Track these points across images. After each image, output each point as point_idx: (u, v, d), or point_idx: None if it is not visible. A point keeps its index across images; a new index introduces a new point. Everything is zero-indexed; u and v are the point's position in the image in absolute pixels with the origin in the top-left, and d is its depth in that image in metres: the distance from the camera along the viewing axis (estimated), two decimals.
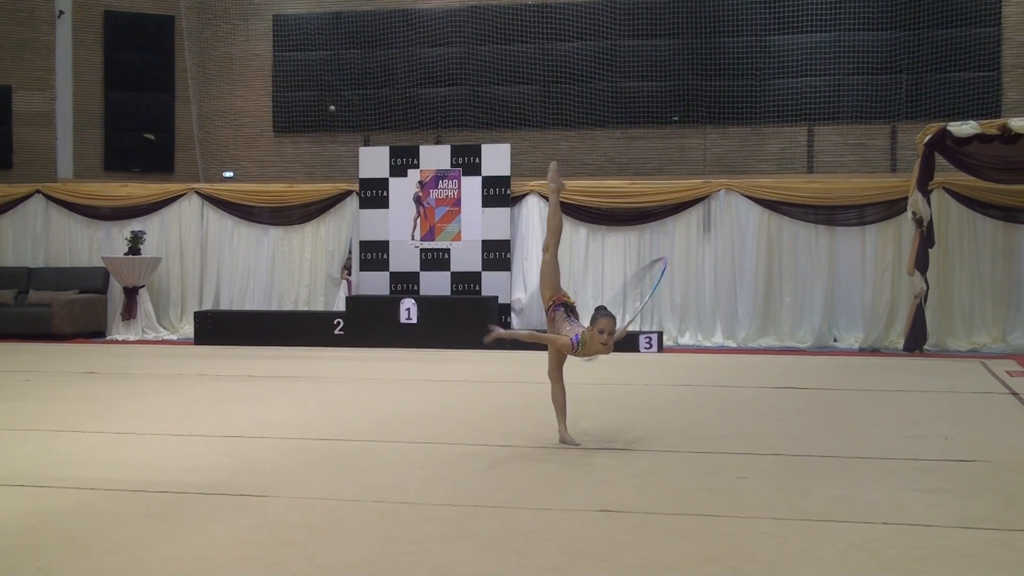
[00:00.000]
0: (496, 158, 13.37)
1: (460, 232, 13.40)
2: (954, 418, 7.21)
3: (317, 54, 16.81)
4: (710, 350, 12.46)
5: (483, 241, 13.32)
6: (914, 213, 11.60)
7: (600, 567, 3.72)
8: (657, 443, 6.17)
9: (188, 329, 13.88)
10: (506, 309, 13.14)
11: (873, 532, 4.16)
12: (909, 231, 11.97)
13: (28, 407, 7.75)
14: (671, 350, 12.38)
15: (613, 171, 15.49)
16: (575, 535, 4.11)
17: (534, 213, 13.33)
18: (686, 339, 12.87)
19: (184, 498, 4.77)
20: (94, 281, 14.24)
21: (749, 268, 12.83)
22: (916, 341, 11.77)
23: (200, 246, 14.41)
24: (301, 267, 14.19)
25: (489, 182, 13.31)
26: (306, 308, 14.01)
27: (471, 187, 13.37)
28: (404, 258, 13.52)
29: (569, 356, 6.06)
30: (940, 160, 11.86)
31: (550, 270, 6.18)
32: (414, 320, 12.81)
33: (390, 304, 13.00)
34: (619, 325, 5.84)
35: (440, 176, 13.49)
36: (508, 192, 13.32)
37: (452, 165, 13.47)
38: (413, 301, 12.90)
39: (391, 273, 13.55)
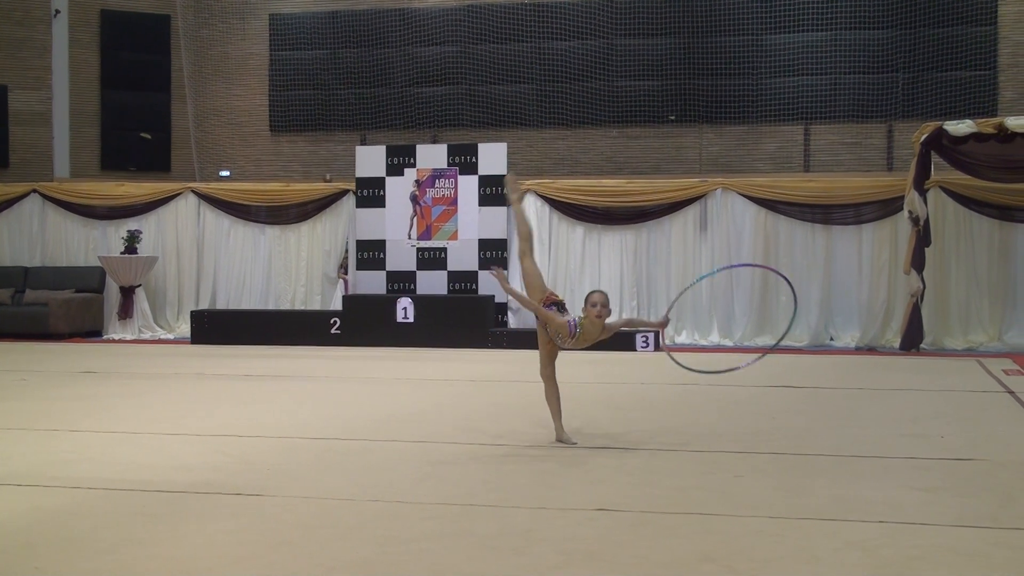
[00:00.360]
0: (493, 157, 13.36)
1: (457, 231, 13.39)
2: (951, 417, 7.21)
3: (313, 53, 16.81)
4: (707, 349, 12.46)
5: (479, 240, 13.32)
6: (910, 212, 11.60)
7: (597, 566, 3.72)
8: (654, 442, 6.17)
9: (185, 328, 13.88)
10: (502, 308, 13.15)
11: (870, 530, 4.16)
12: (905, 230, 11.98)
13: (25, 406, 7.74)
14: (668, 349, 12.34)
15: (609, 170, 15.51)
16: (572, 534, 4.11)
17: (531, 212, 13.32)
18: (683, 338, 12.87)
19: (181, 497, 4.77)
20: (90, 280, 14.24)
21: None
22: (912, 340, 11.78)
23: (197, 245, 14.40)
24: (298, 266, 14.18)
25: (486, 181, 13.31)
26: (303, 307, 14.01)
27: (468, 186, 13.36)
28: (400, 257, 13.51)
29: (560, 352, 6.07)
30: (936, 159, 11.88)
31: (533, 275, 6.20)
32: (410, 319, 12.80)
33: (386, 303, 12.99)
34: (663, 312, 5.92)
35: (437, 175, 13.48)
36: (505, 191, 13.31)
37: (449, 164, 13.46)
38: (409, 300, 12.89)
39: (387, 272, 13.54)
